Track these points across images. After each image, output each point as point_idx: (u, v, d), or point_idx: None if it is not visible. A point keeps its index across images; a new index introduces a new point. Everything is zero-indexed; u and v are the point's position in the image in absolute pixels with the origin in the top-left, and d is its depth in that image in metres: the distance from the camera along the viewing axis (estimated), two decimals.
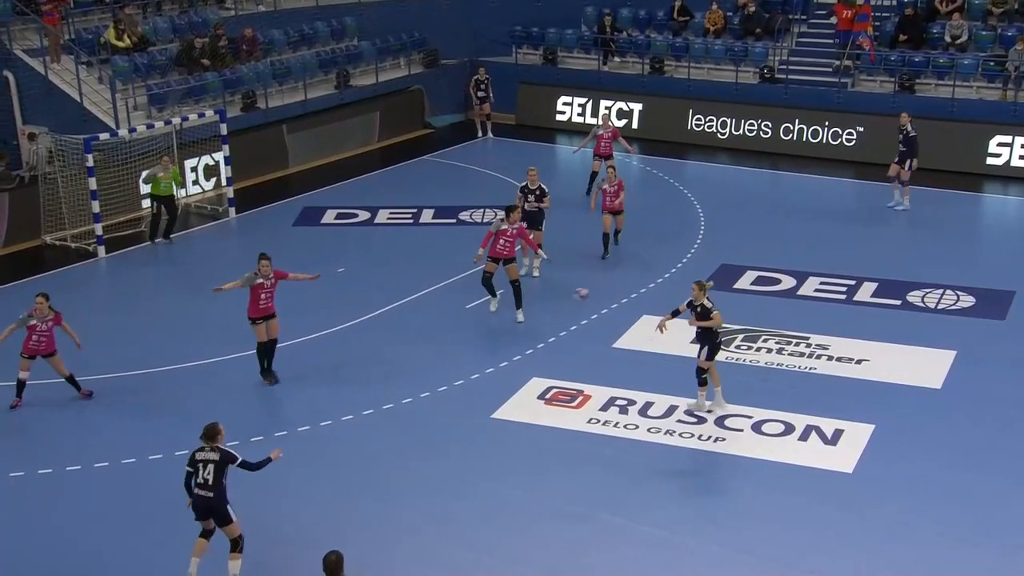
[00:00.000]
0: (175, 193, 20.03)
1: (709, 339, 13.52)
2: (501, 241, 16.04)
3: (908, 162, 20.89)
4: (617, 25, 28.49)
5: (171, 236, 20.00)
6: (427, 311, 16.85)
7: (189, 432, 12.99)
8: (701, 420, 13.65)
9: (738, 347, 15.63)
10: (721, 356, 15.29)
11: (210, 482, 10.07)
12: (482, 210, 21.19)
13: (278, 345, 14.60)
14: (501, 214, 16.44)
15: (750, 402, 14.02)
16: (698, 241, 20.04)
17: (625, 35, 28.39)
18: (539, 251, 16.99)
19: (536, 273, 17.91)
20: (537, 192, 17.55)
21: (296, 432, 13.41)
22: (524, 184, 17.72)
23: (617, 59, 28.21)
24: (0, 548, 11.27)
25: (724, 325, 13.78)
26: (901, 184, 21.23)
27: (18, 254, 19.61)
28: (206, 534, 10.37)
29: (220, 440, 10.23)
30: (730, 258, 19.01)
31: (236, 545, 10.29)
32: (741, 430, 13.47)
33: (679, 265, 18.82)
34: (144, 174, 20.13)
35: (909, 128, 20.84)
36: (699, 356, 13.63)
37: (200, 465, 10.15)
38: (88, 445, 13.12)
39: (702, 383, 13.70)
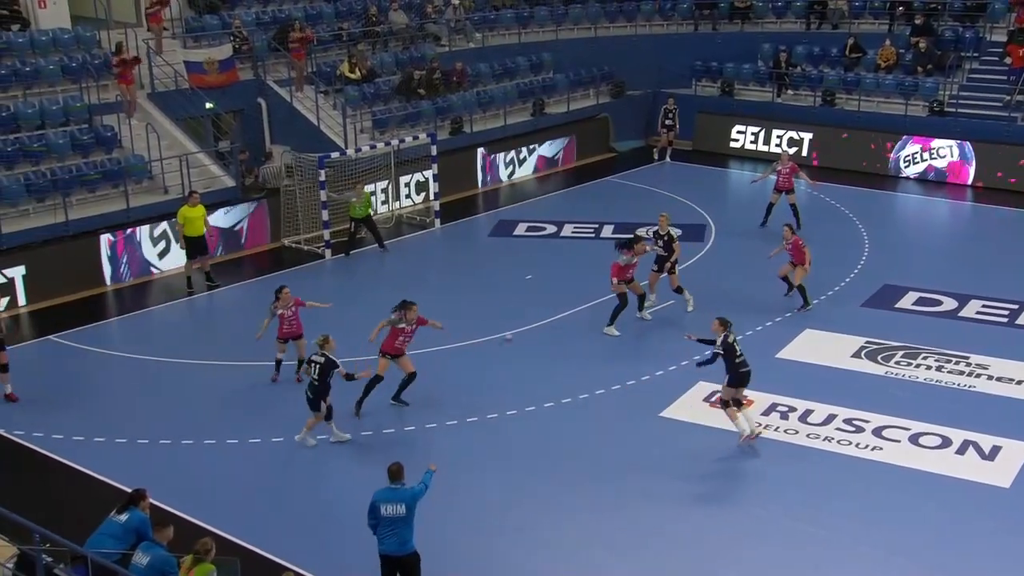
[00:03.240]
0: (370, 213, 20.35)
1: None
2: (630, 272, 15.90)
3: None
4: (792, 60, 27.61)
5: (384, 244, 20.47)
6: (606, 316, 16.63)
7: (392, 410, 13.43)
8: (859, 429, 13.04)
9: (897, 363, 14.84)
10: (880, 370, 14.61)
11: (316, 380, 12.42)
12: (656, 227, 20.90)
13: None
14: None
15: (908, 415, 13.30)
16: (862, 262, 19.17)
17: (799, 70, 27.47)
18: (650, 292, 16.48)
19: (648, 316, 16.61)
20: (666, 238, 16.60)
21: (485, 419, 13.61)
22: (655, 229, 16.79)
23: (790, 92, 27.33)
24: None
25: (881, 341, 13.02)
26: None
27: (262, 254, 20.56)
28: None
29: (329, 348, 12.48)
30: (893, 279, 18.09)
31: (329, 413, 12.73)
32: (898, 441, 12.78)
33: (843, 284, 18.05)
34: (336, 196, 20.36)
35: None
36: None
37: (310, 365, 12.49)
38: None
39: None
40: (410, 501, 9.43)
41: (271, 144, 22.79)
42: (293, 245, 20.71)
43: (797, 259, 16.72)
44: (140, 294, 18.42)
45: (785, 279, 16.97)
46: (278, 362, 14.70)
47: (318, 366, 12.53)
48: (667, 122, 26.44)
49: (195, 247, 18.29)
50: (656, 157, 26.69)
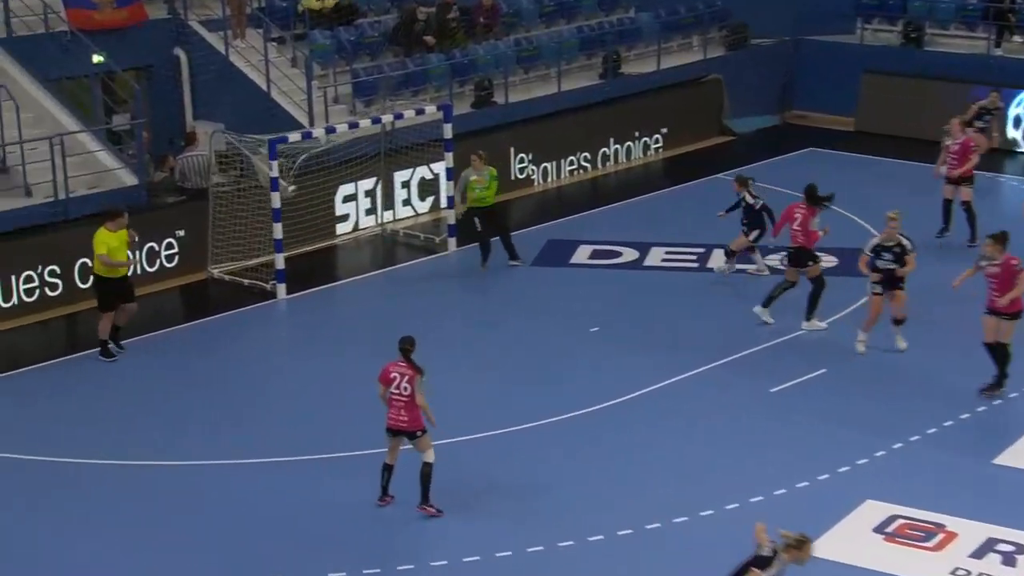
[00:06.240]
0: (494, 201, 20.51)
1: None
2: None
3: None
4: None
5: (518, 258, 20.53)
6: (712, 392, 16.53)
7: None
8: None
9: None
10: None
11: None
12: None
13: None
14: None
15: None
16: None
17: None
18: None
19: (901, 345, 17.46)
20: (896, 250, 16.94)
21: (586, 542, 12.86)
22: (877, 243, 17.14)
23: (1018, 38, 27.01)
24: None
25: None
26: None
27: (176, 290, 20.24)
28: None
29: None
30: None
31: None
32: None
33: None
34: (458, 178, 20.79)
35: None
36: None
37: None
38: None
39: None
40: None
41: (194, 121, 22.83)
42: (226, 278, 20.31)
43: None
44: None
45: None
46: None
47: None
48: (979, 123, 23.49)
49: (116, 292, 17.49)
50: None
